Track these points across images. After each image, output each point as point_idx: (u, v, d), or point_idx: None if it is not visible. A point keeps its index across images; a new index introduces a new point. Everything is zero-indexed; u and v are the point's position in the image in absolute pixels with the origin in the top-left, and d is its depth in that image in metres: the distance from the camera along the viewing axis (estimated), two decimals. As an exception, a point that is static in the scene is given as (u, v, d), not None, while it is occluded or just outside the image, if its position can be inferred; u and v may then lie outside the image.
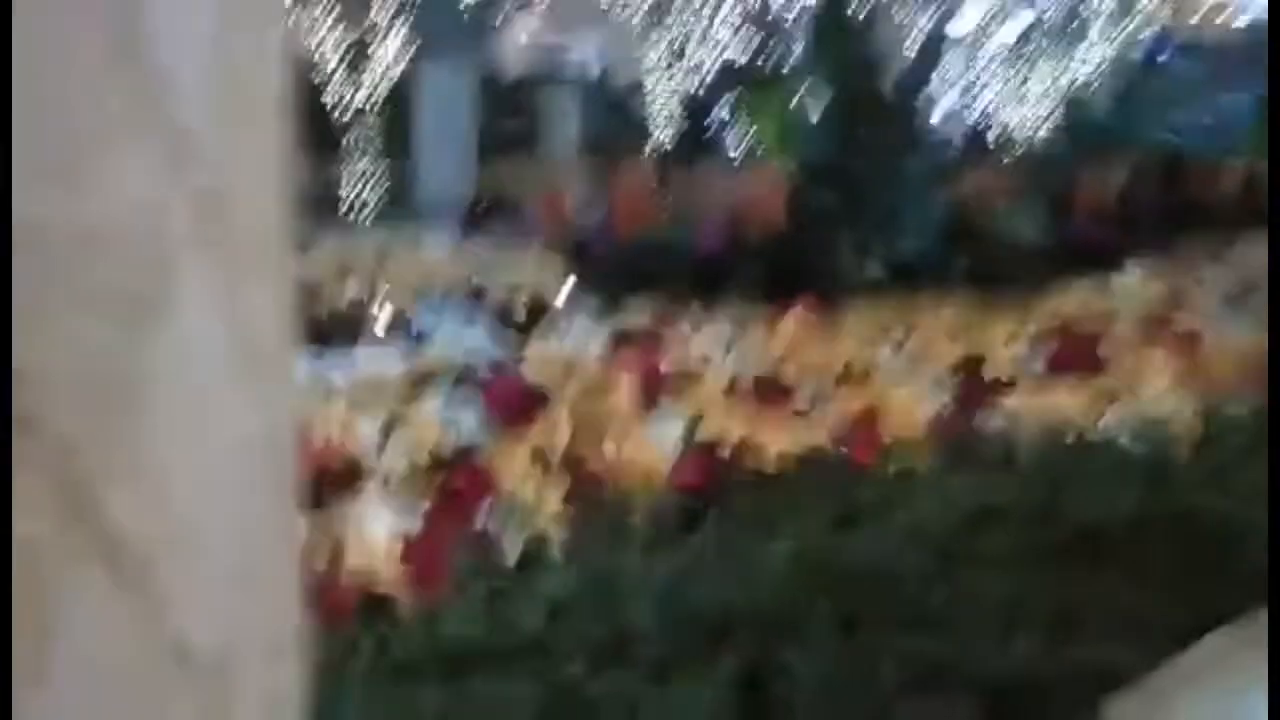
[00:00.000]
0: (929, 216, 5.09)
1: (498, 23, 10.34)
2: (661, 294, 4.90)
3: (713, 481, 4.06)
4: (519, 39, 12.74)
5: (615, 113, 13.06)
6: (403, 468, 3.58)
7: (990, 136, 11.26)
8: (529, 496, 3.66)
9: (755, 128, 6.02)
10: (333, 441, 3.52)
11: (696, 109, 10.58)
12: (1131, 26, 12.13)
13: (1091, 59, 11.59)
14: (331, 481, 3.38)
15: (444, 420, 3.83)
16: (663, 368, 4.44)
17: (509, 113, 11.75)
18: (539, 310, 4.51)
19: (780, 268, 5.07)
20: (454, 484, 3.60)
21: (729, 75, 7.93)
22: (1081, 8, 11.81)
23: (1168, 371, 5.24)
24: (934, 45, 7.42)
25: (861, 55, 5.88)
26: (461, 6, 9.64)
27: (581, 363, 4.29)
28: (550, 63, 13.09)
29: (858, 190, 5.30)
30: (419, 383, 3.97)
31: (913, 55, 6.81)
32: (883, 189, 5.24)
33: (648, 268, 4.97)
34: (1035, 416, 4.66)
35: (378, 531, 3.31)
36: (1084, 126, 7.56)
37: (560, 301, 4.57)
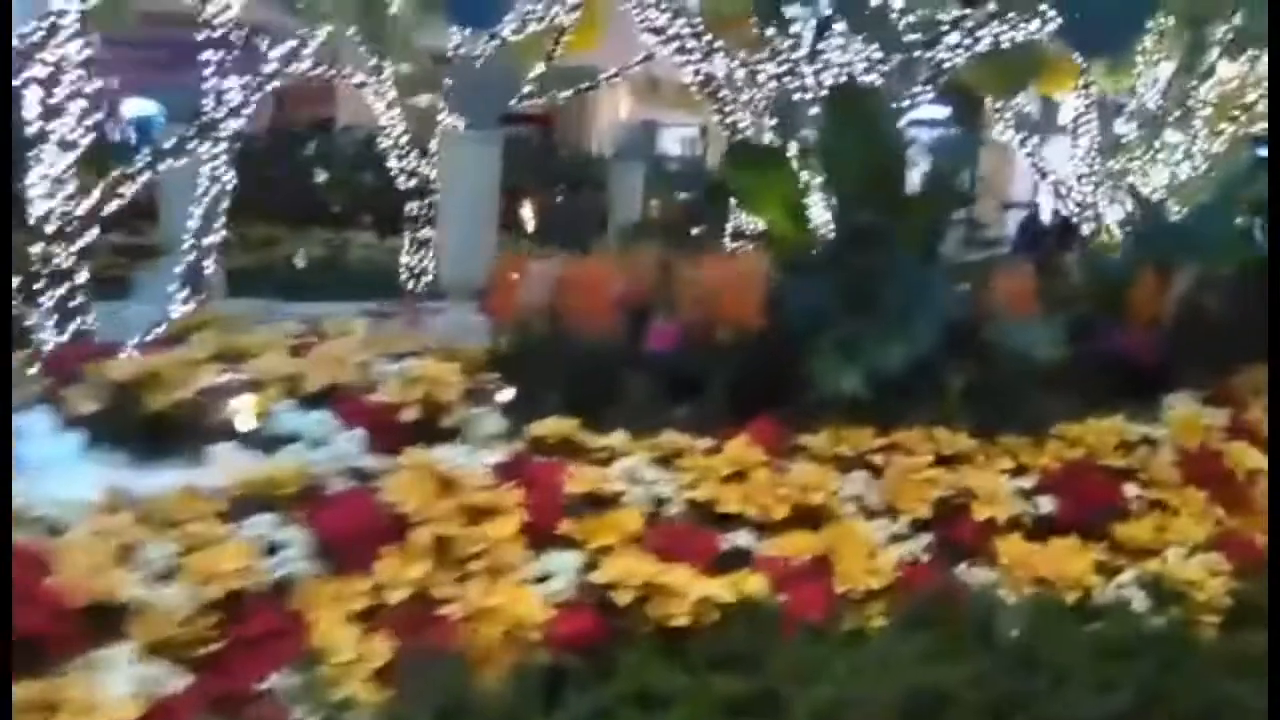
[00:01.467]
0: (933, 323, 4.30)
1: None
2: (596, 399, 4.16)
3: (604, 637, 3.30)
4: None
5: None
6: (185, 608, 2.87)
7: (1047, 235, 10.41)
8: (343, 651, 2.93)
9: (757, 208, 5.23)
10: (92, 572, 2.82)
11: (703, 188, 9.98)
12: (1229, 126, 11.22)
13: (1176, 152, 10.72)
14: (68, 631, 2.69)
15: (262, 547, 3.12)
16: (569, 489, 3.69)
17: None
18: (439, 411, 3.79)
19: (745, 375, 4.29)
20: (246, 631, 2.88)
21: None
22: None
23: (1209, 521, 4.37)
24: (971, 137, 6.64)
25: (881, 136, 5.13)
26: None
27: (466, 479, 3.56)
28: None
29: (853, 286, 4.54)
30: (245, 498, 3.27)
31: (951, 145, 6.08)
32: (882, 286, 4.47)
33: (585, 368, 4.24)
34: (1031, 571, 3.83)
35: (118, 693, 2.60)
36: (1157, 228, 6.70)
37: (467, 400, 3.85)
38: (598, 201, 15.16)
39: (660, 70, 12.57)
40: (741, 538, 3.76)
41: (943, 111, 11.06)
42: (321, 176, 13.80)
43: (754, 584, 3.59)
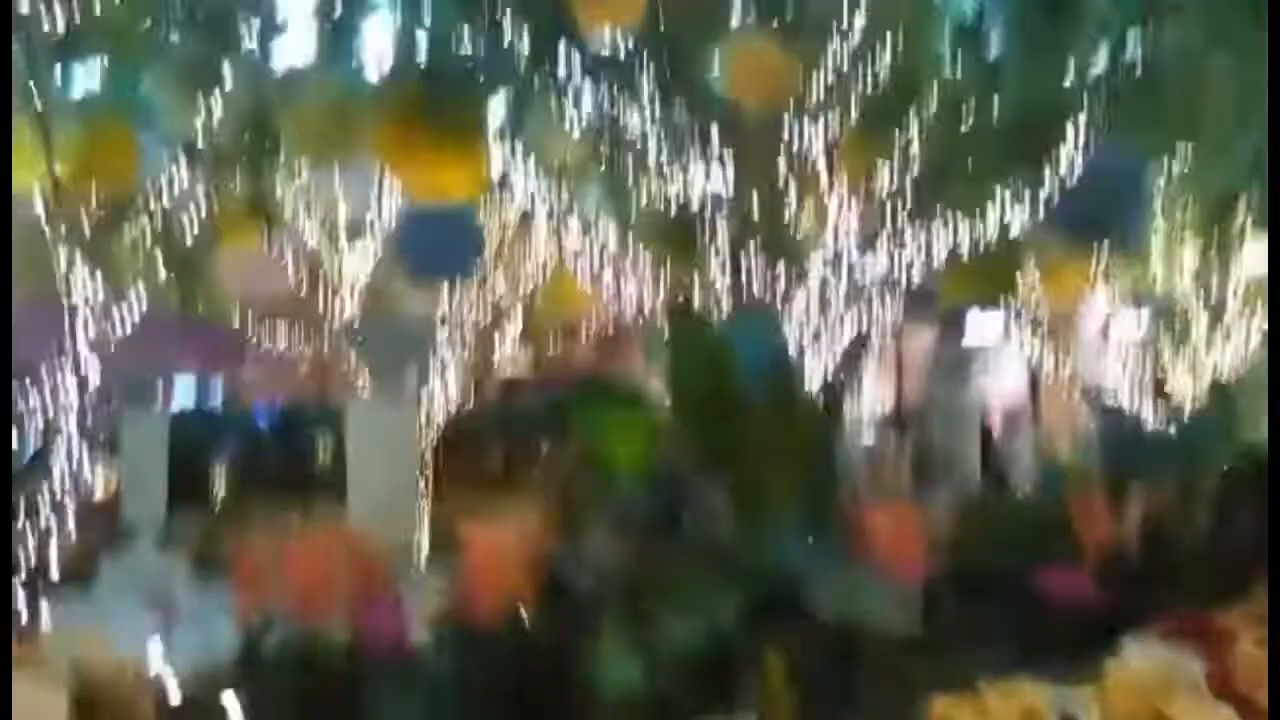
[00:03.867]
0: (745, 586, 3.31)
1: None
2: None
3: None
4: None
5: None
6: None
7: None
8: None
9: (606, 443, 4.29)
10: None
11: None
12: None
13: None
14: None
15: None
16: None
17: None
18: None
19: (512, 674, 3.30)
20: None
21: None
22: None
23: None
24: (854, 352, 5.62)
25: (720, 366, 4.25)
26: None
27: None
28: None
29: (650, 549, 3.57)
30: None
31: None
32: (683, 546, 3.51)
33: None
34: None
35: None
36: (1123, 439, 5.61)
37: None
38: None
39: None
40: None
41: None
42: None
43: None
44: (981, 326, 10.82)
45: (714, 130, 6.52)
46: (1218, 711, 3.66)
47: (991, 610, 3.96)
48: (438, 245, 7.38)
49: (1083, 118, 7.33)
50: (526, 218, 8.60)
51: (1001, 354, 11.12)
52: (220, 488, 10.70)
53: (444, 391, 9.81)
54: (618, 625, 3.31)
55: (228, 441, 10.87)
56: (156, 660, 4.01)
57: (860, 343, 6.05)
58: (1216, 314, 9.77)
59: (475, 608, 3.47)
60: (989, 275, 7.85)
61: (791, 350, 5.59)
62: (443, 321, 9.94)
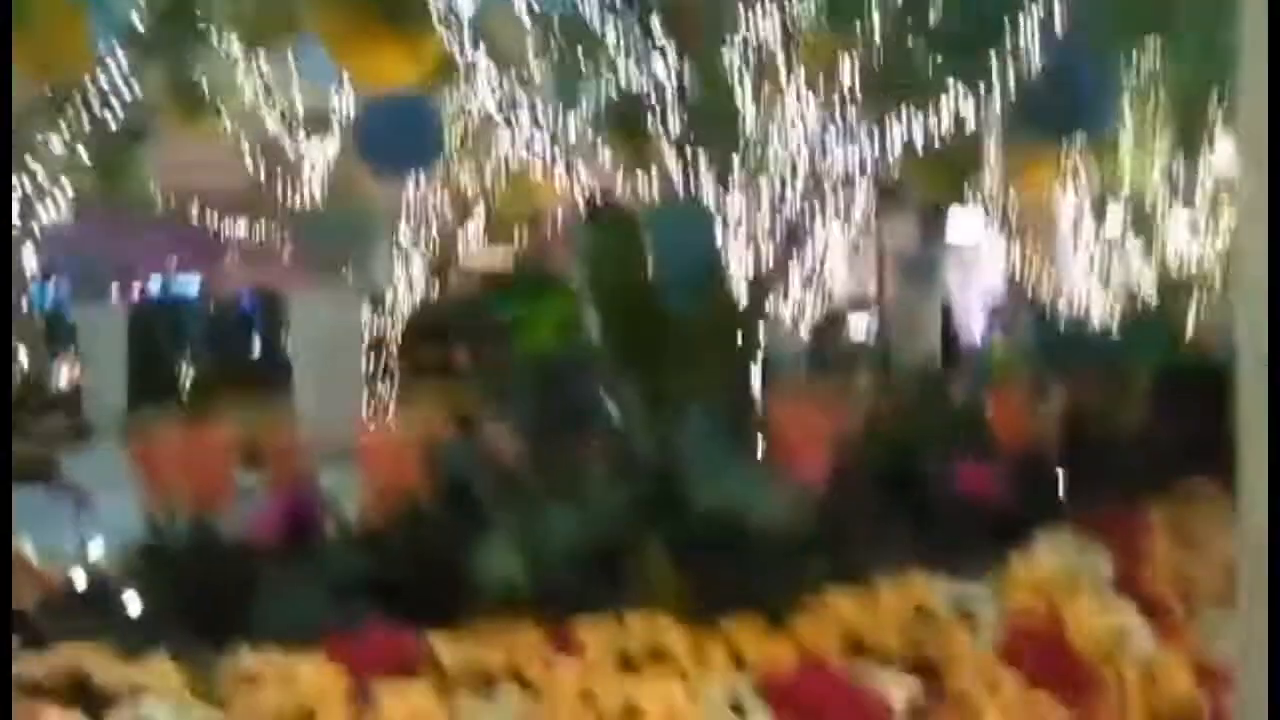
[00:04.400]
0: (628, 480, 3.28)
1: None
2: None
3: None
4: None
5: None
6: None
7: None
8: None
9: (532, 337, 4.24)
10: None
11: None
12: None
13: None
14: None
15: None
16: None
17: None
18: None
19: (400, 567, 3.28)
20: None
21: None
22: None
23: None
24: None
25: (637, 260, 4.20)
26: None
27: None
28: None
29: (540, 442, 3.54)
30: None
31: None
32: (567, 438, 3.48)
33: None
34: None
35: None
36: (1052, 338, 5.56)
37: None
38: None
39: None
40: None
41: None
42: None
43: None
44: (952, 225, 10.72)
45: (655, 20, 6.38)
46: (1116, 609, 3.65)
47: (900, 506, 3.94)
48: (397, 136, 7.27)
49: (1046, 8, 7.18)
50: (484, 110, 8.50)
51: (974, 253, 11.04)
52: (185, 381, 10.72)
53: (408, 285, 9.75)
54: (506, 519, 3.29)
55: (191, 336, 10.87)
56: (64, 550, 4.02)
57: (794, 239, 5.97)
58: (1183, 212, 9.67)
59: (373, 502, 3.46)
60: (950, 169, 7.75)
61: (727, 246, 5.52)
62: (406, 215, 9.86)
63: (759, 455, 3.72)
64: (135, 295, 10.92)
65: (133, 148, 7.23)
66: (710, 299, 4.37)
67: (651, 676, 3.04)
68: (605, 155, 7.33)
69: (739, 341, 4.39)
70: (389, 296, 9.34)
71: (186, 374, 10.20)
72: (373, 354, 8.68)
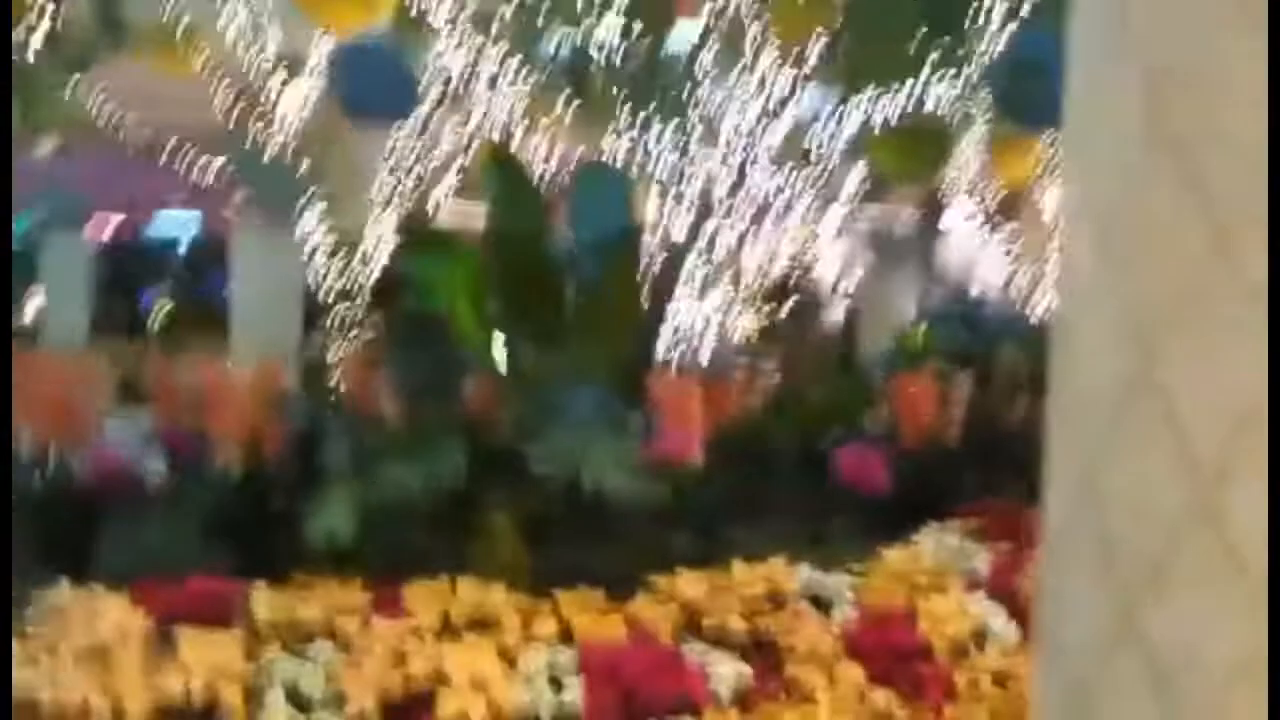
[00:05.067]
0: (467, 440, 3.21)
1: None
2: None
3: None
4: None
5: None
6: None
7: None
8: None
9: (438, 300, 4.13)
10: None
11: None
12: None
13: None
14: None
15: None
16: None
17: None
18: None
19: (233, 513, 3.23)
20: None
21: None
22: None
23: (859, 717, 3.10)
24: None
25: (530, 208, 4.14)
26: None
27: None
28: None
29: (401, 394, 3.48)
30: None
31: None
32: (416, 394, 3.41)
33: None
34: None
35: None
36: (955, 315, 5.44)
37: None
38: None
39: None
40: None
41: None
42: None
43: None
44: (941, 212, 10.57)
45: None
46: (981, 611, 3.56)
47: (782, 491, 3.86)
48: (372, 83, 7.19)
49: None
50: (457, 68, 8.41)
51: (950, 237, 10.89)
52: (148, 319, 10.69)
53: (378, 237, 9.68)
54: (348, 476, 3.22)
55: (153, 274, 10.84)
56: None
57: (706, 213, 5.86)
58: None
59: (214, 445, 3.39)
60: (918, 151, 7.61)
61: (660, 212, 5.42)
62: (387, 166, 9.78)
63: (638, 431, 3.62)
64: (106, 232, 10.92)
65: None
66: (621, 264, 4.26)
67: (473, 644, 2.97)
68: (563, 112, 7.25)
69: (639, 312, 4.28)
70: (361, 249, 9.27)
71: (152, 312, 10.19)
72: (342, 304, 8.64)
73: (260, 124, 9.55)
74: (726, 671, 3.03)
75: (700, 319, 5.49)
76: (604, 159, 5.75)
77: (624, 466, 3.32)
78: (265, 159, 7.93)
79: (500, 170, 4.22)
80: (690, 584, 3.28)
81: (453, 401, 3.53)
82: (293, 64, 9.69)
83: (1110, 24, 1.44)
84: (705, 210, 5.85)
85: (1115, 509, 1.41)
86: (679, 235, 5.52)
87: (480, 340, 4.12)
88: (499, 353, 3.98)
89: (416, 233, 5.03)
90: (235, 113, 9.46)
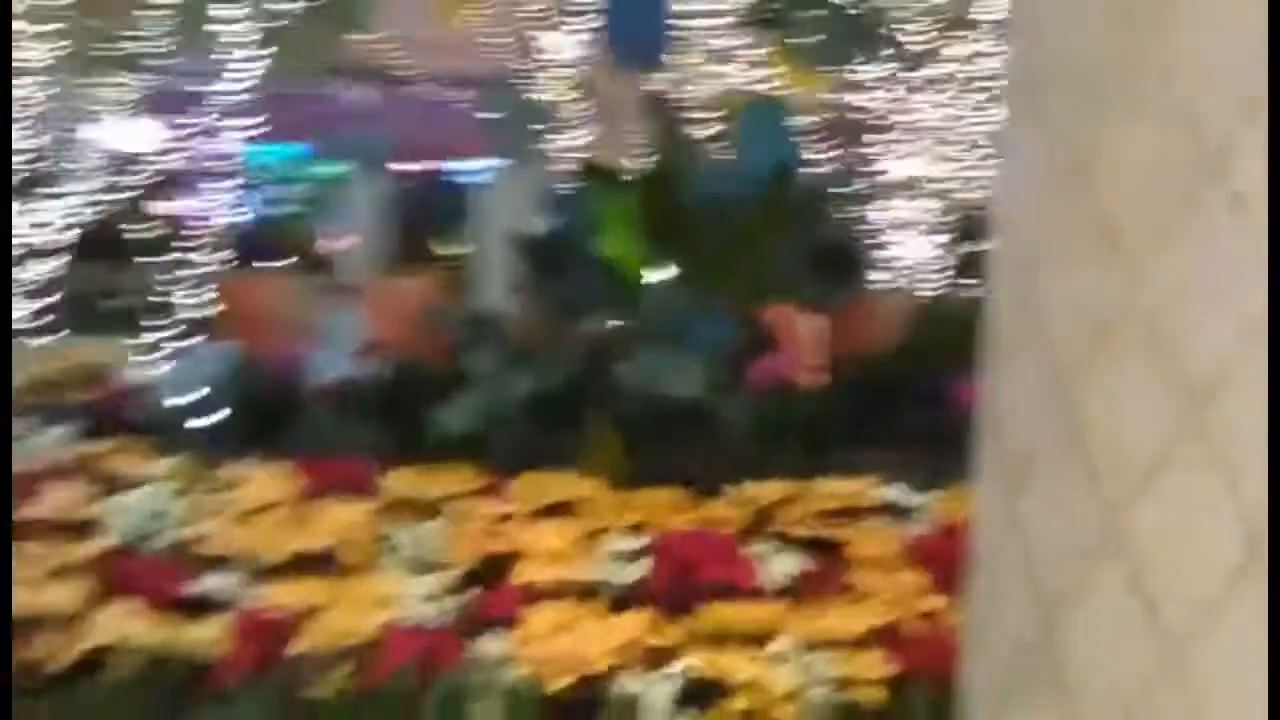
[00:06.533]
0: (572, 353, 3.71)
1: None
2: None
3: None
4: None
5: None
6: None
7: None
8: None
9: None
10: None
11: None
12: None
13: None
14: None
15: None
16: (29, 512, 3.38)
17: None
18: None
19: (356, 408, 3.83)
20: None
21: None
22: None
23: (904, 613, 3.41)
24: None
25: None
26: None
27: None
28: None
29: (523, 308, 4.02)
30: None
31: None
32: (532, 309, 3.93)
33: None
34: (548, 650, 3.11)
35: None
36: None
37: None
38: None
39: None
40: (218, 582, 3.30)
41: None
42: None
43: (199, 633, 3.16)
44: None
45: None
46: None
47: (901, 418, 4.11)
48: (638, 27, 7.73)
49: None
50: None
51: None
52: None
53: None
54: (475, 376, 3.75)
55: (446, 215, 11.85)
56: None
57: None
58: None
59: (369, 350, 4.00)
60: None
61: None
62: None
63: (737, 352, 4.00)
64: (403, 171, 11.96)
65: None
66: (780, 194, 4.61)
67: (558, 524, 3.46)
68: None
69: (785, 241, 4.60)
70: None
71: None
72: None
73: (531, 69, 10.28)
74: (779, 565, 3.40)
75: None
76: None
77: (711, 382, 3.71)
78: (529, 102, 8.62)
79: (655, 115, 4.65)
80: (768, 491, 3.65)
81: (587, 320, 4.01)
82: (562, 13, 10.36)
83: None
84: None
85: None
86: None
87: (630, 267, 4.58)
88: (645, 278, 4.43)
89: (587, 168, 5.49)
90: (507, 59, 10.24)
